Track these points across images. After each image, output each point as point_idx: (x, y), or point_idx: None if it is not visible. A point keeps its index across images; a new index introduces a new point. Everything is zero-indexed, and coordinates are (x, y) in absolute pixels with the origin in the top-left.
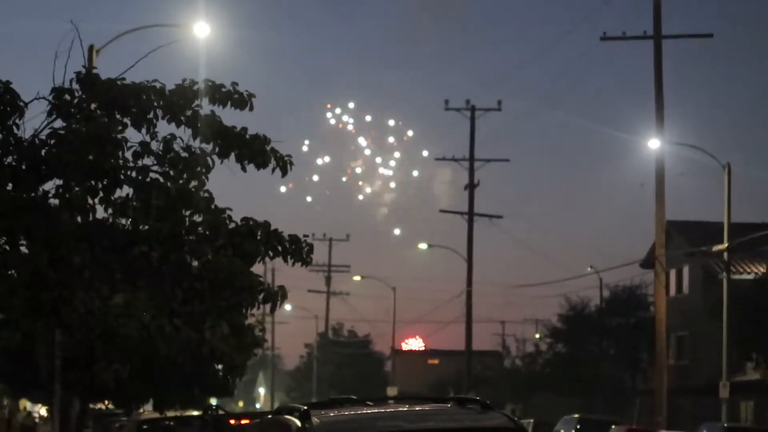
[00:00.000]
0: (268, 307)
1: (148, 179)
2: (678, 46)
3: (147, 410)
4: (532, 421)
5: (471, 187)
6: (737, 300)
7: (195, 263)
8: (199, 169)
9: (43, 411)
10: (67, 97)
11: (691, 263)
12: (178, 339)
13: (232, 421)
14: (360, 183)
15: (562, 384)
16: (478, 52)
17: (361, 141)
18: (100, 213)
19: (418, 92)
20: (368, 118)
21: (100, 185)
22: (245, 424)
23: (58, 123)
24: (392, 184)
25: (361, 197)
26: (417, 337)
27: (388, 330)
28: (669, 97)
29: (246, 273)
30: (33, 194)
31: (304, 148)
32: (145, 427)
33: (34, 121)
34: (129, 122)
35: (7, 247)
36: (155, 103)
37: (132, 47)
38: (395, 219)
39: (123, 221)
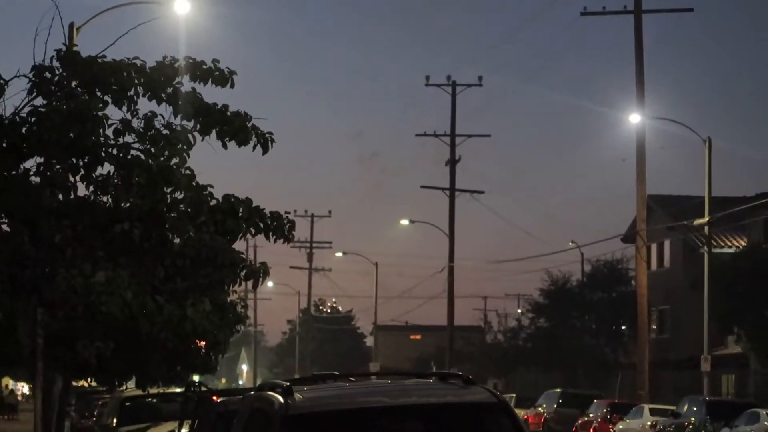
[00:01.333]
0: (250, 283)
1: (129, 157)
2: (658, 21)
3: (130, 387)
4: (514, 395)
5: (452, 162)
6: (718, 274)
7: (177, 240)
8: (180, 146)
9: (25, 389)
10: (48, 74)
11: (672, 237)
12: (161, 316)
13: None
14: None
15: (544, 358)
16: (458, 27)
17: None
18: (82, 191)
19: (399, 68)
20: None
21: (81, 163)
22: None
23: (39, 101)
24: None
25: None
26: None
27: (370, 306)
28: (650, 72)
29: (228, 250)
30: (14, 172)
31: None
32: (127, 404)
33: (14, 99)
34: (110, 100)
35: None
36: (136, 81)
37: (112, 25)
38: (378, 195)
39: (104, 199)
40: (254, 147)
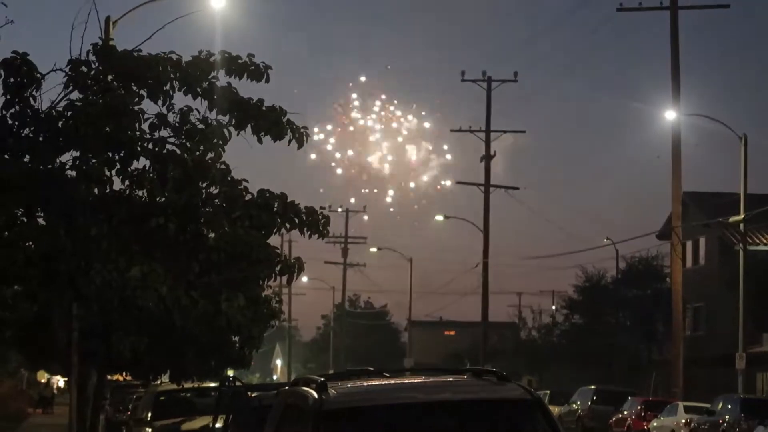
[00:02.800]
0: (284, 278)
1: (164, 151)
2: (694, 16)
3: (164, 381)
4: (548, 392)
5: (487, 158)
6: (753, 271)
7: (212, 235)
8: (215, 140)
9: (60, 382)
10: (84, 68)
11: (707, 234)
12: (195, 310)
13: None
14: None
15: (578, 355)
16: (494, 23)
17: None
18: (117, 185)
19: (435, 63)
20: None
21: (116, 157)
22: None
23: (75, 95)
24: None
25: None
26: None
27: (405, 301)
28: (685, 68)
29: (263, 245)
30: (50, 166)
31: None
32: (162, 398)
33: (51, 93)
34: (145, 94)
35: (24, 219)
36: (171, 75)
37: (148, 19)
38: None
39: (140, 193)
40: (289, 141)
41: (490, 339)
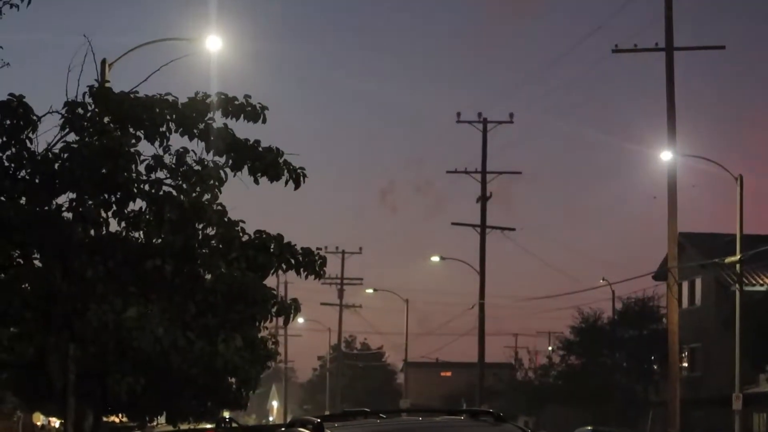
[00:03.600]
0: (281, 319)
1: (161, 192)
2: (690, 58)
3: (160, 423)
4: None
5: (483, 199)
6: (750, 312)
7: (208, 276)
8: (212, 182)
9: (56, 424)
10: (80, 110)
11: (704, 275)
12: (192, 352)
13: None
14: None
15: (574, 396)
16: (489, 64)
17: None
18: (114, 226)
19: (430, 105)
20: None
21: (113, 198)
22: None
23: (71, 137)
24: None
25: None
26: None
27: (401, 342)
28: (681, 109)
29: (259, 286)
30: (46, 207)
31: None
32: None
33: (47, 135)
34: (142, 135)
35: (21, 261)
36: (168, 117)
37: (144, 61)
38: (407, 232)
39: (136, 234)
40: (286, 183)
41: (487, 380)
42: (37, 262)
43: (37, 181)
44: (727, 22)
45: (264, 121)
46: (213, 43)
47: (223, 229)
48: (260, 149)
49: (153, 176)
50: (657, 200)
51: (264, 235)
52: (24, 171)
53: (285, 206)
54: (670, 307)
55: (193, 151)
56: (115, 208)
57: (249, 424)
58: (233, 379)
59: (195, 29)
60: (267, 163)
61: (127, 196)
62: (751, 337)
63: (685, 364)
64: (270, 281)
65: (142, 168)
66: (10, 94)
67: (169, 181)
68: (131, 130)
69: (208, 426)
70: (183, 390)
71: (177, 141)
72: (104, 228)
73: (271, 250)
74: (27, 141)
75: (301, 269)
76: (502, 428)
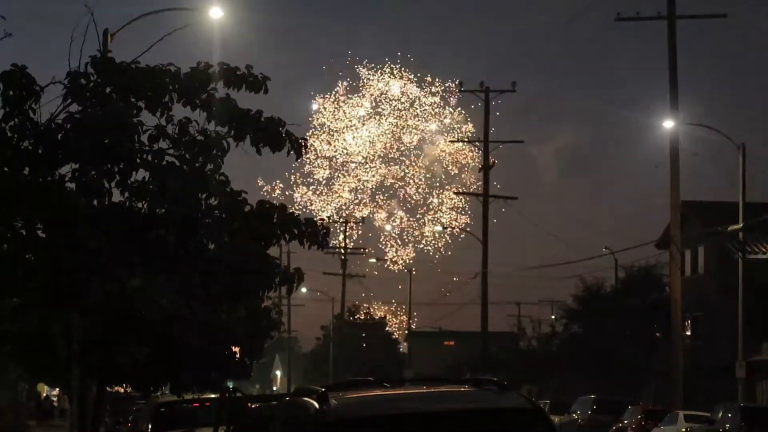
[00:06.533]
0: (284, 289)
1: (163, 163)
2: (693, 26)
3: (164, 393)
4: (548, 401)
5: (486, 168)
6: (752, 280)
7: (211, 246)
8: (214, 152)
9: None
10: (83, 81)
11: (706, 243)
12: (195, 322)
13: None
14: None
15: (577, 365)
16: (492, 33)
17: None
18: (117, 197)
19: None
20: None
21: (116, 169)
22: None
23: (74, 107)
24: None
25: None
26: None
27: (405, 312)
28: (684, 77)
29: (262, 256)
30: (49, 178)
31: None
32: (162, 409)
33: (50, 106)
34: (144, 106)
35: (24, 231)
36: (170, 87)
37: (147, 31)
38: (412, 201)
39: (139, 205)
40: (288, 152)
41: (490, 349)
42: (40, 233)
43: (40, 151)
44: None
45: (266, 92)
46: (215, 13)
47: (225, 199)
48: (262, 119)
49: (156, 146)
50: (659, 169)
51: (267, 206)
52: (27, 141)
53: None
54: (673, 275)
55: (195, 121)
56: (118, 178)
57: (253, 393)
58: (237, 349)
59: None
60: (269, 133)
61: (130, 166)
62: (754, 306)
63: (688, 333)
64: (273, 251)
65: (144, 138)
66: (13, 65)
67: (171, 151)
68: (133, 100)
69: (212, 396)
70: (187, 360)
71: (179, 111)
72: (107, 198)
73: (275, 220)
74: (30, 111)
75: (304, 239)
76: (506, 397)
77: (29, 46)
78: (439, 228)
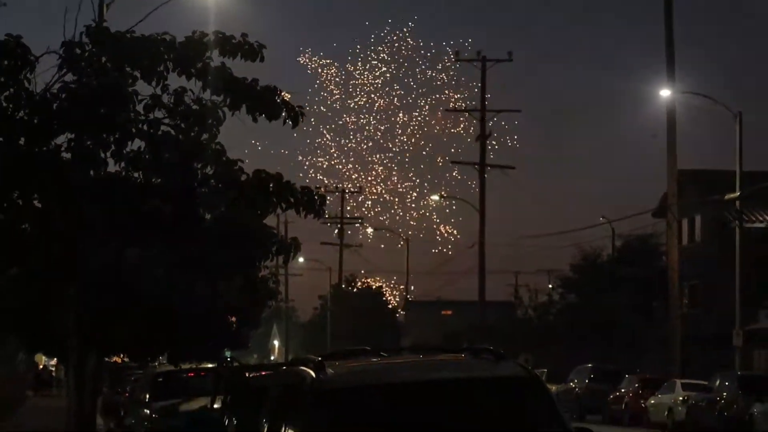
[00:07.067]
0: (281, 259)
1: (159, 132)
2: None
3: (162, 363)
4: (545, 370)
5: (482, 138)
6: (749, 248)
7: (208, 216)
8: (210, 121)
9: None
10: (78, 51)
11: (703, 212)
12: (192, 292)
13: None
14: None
15: (575, 334)
16: (488, 3)
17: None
18: (112, 167)
19: (428, 43)
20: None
21: (111, 139)
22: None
23: (69, 77)
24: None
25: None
26: None
27: (402, 281)
28: (680, 46)
29: (259, 225)
30: (45, 148)
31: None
32: (160, 379)
33: (45, 75)
34: (139, 75)
35: (20, 202)
36: (165, 56)
37: (142, 0)
38: (407, 171)
39: (135, 175)
40: (284, 121)
41: (487, 318)
42: (36, 203)
43: (35, 121)
44: None
45: (262, 60)
46: None
47: (221, 168)
48: (258, 88)
49: (151, 116)
50: (657, 138)
51: (263, 175)
52: (22, 111)
53: (283, 146)
54: (670, 244)
55: (191, 90)
56: (113, 148)
57: (250, 363)
58: (234, 319)
59: None
60: (265, 102)
61: (126, 136)
62: (751, 274)
63: (685, 301)
64: (270, 221)
65: (140, 108)
66: (7, 35)
67: (167, 120)
68: (129, 69)
69: (209, 365)
70: (184, 330)
71: (175, 80)
72: (103, 168)
73: (271, 189)
74: (25, 81)
75: (301, 208)
76: (503, 365)
77: (24, 16)
78: (435, 197)
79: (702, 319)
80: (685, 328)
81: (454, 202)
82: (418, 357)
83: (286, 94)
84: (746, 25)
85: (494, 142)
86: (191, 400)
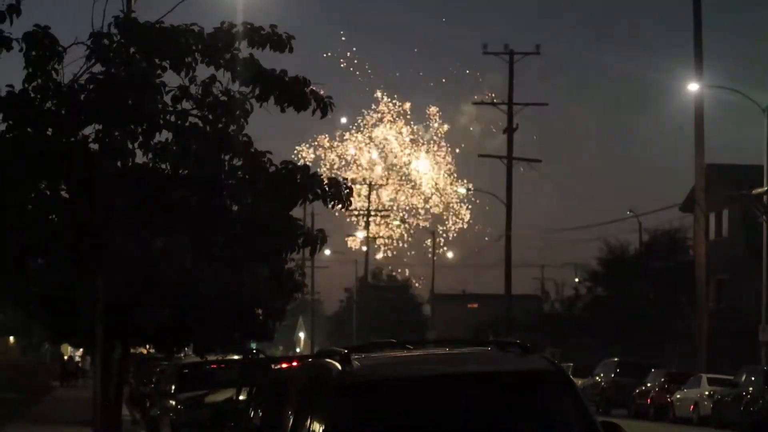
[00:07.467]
0: (307, 251)
1: (187, 123)
2: None
3: (188, 354)
4: (571, 364)
5: (510, 131)
6: None
7: (235, 207)
8: (238, 112)
9: (77, 356)
10: (106, 41)
11: (731, 207)
12: (218, 283)
13: (285, 365)
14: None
15: (601, 328)
16: None
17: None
18: (140, 158)
19: (456, 37)
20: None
21: (139, 130)
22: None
23: (98, 68)
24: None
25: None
26: None
27: (428, 274)
28: (708, 40)
29: (285, 217)
30: (73, 139)
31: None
32: (185, 371)
33: (73, 66)
34: (168, 66)
35: (48, 192)
36: (194, 47)
37: None
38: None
39: (163, 166)
40: (313, 112)
41: (513, 312)
42: (64, 194)
43: (63, 112)
44: None
45: (291, 51)
46: None
47: (249, 159)
48: (286, 79)
49: (179, 107)
50: (684, 131)
51: (290, 166)
52: (50, 102)
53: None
54: (697, 238)
55: (219, 81)
56: (141, 139)
57: (276, 355)
58: (260, 311)
59: None
60: (294, 93)
61: (154, 127)
62: None
63: (713, 296)
64: (297, 213)
65: (168, 99)
66: (35, 25)
67: (195, 111)
68: (157, 60)
69: (235, 357)
70: (210, 321)
71: (203, 71)
72: (131, 159)
73: (298, 180)
74: (53, 72)
75: (328, 199)
76: (529, 359)
77: (52, 6)
78: (462, 190)
79: (728, 313)
80: (711, 322)
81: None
82: (444, 350)
83: (317, 86)
84: None
85: (523, 134)
86: (217, 391)
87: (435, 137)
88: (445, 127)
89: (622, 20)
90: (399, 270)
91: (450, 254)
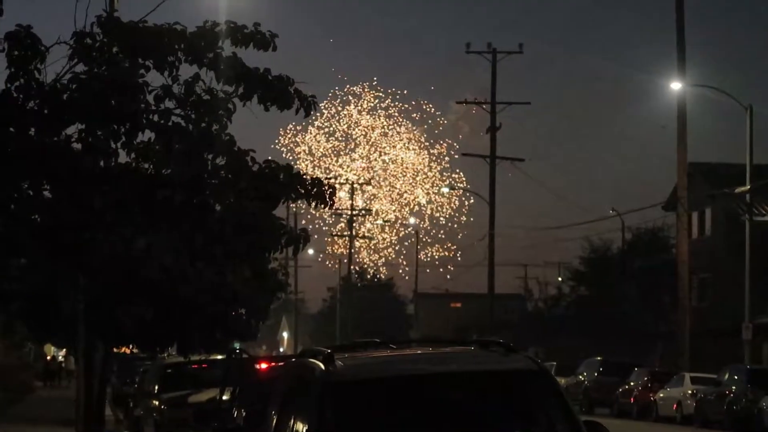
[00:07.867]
0: (290, 250)
1: (169, 123)
2: None
3: (171, 354)
4: (554, 363)
5: (493, 130)
6: (759, 242)
7: (217, 207)
8: (221, 112)
9: (62, 355)
10: (89, 41)
11: (713, 205)
12: (201, 282)
13: (267, 364)
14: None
15: (584, 327)
16: None
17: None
18: (123, 157)
19: (439, 36)
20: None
21: (122, 129)
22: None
23: (80, 67)
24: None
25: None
26: None
27: (411, 273)
28: (691, 39)
29: (268, 216)
30: (55, 138)
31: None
32: (169, 371)
33: (55, 66)
34: (151, 65)
35: (30, 192)
36: (177, 46)
37: None
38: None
39: (145, 165)
40: (297, 111)
41: (497, 311)
42: (46, 193)
43: (45, 112)
44: None
45: (274, 49)
46: None
47: (232, 158)
48: (270, 78)
49: (162, 106)
50: (667, 129)
51: (273, 165)
52: (32, 102)
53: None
54: (680, 237)
55: (202, 80)
56: (123, 139)
57: (259, 354)
58: (243, 310)
59: None
60: (277, 92)
61: (136, 126)
62: (760, 268)
63: (695, 295)
64: (280, 213)
65: (150, 98)
66: (18, 25)
67: (177, 111)
68: (140, 60)
69: (219, 357)
70: (192, 320)
71: (186, 70)
72: (113, 159)
73: (281, 179)
74: (35, 72)
75: (310, 198)
76: (512, 358)
77: (34, 6)
78: (446, 189)
79: (711, 312)
80: (694, 321)
81: (461, 195)
82: (428, 349)
83: (300, 84)
84: (758, 16)
85: (504, 134)
86: (200, 391)
87: (416, 133)
88: (429, 123)
89: (604, 19)
90: (382, 269)
91: (433, 253)
